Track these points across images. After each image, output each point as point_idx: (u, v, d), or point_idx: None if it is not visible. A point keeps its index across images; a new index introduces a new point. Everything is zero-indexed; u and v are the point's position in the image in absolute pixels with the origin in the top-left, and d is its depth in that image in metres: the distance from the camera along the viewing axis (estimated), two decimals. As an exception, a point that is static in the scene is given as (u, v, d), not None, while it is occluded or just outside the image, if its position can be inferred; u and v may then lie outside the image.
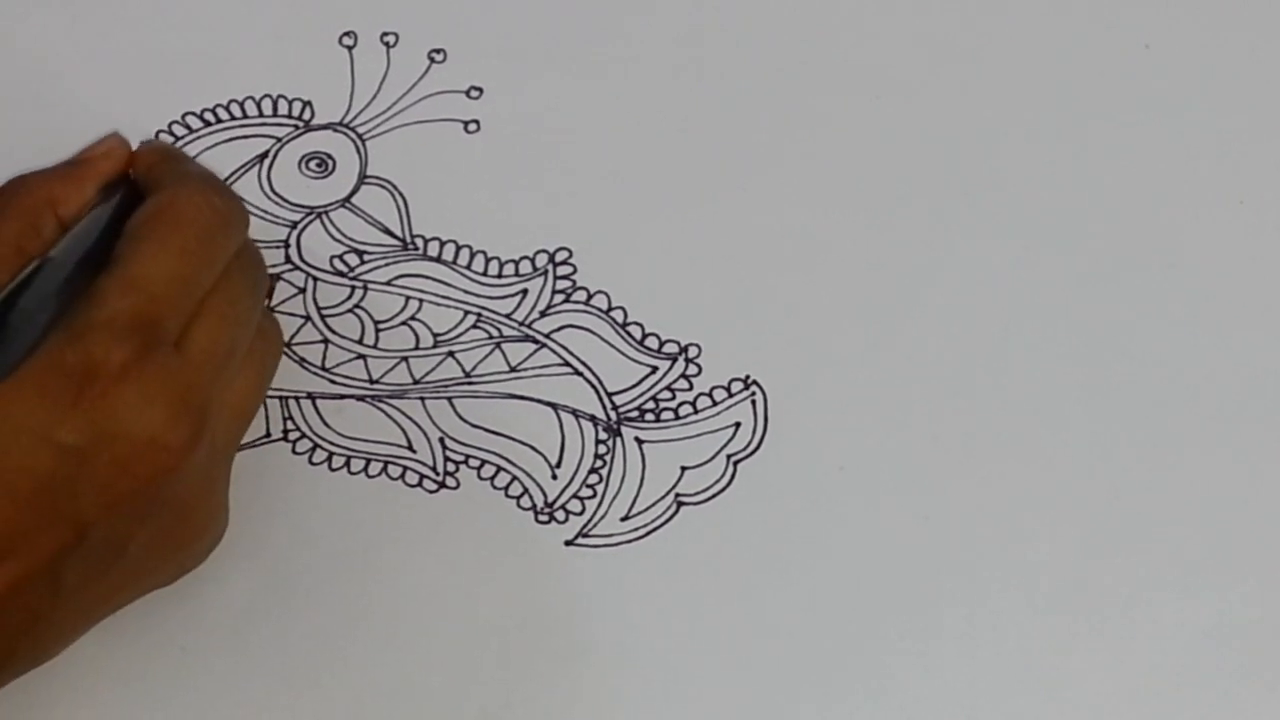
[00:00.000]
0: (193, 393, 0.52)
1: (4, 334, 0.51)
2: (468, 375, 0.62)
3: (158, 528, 0.52)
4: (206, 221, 0.54)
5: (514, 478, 0.60)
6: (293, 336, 0.62)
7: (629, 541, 0.59)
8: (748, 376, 0.62)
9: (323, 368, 0.62)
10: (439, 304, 0.63)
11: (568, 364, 0.62)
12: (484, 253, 0.64)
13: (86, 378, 0.50)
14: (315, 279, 0.63)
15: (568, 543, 0.59)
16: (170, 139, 0.65)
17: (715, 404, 0.61)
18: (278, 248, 0.64)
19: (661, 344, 0.62)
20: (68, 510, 0.50)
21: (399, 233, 0.64)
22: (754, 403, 0.61)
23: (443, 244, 0.64)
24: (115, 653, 0.57)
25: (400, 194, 0.65)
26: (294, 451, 0.60)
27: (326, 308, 0.63)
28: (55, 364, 0.50)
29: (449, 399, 0.61)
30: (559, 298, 0.63)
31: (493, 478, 0.60)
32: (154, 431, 0.50)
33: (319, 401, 0.61)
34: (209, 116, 0.66)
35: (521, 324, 0.62)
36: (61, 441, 0.49)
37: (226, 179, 0.65)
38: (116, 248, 0.53)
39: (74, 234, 0.54)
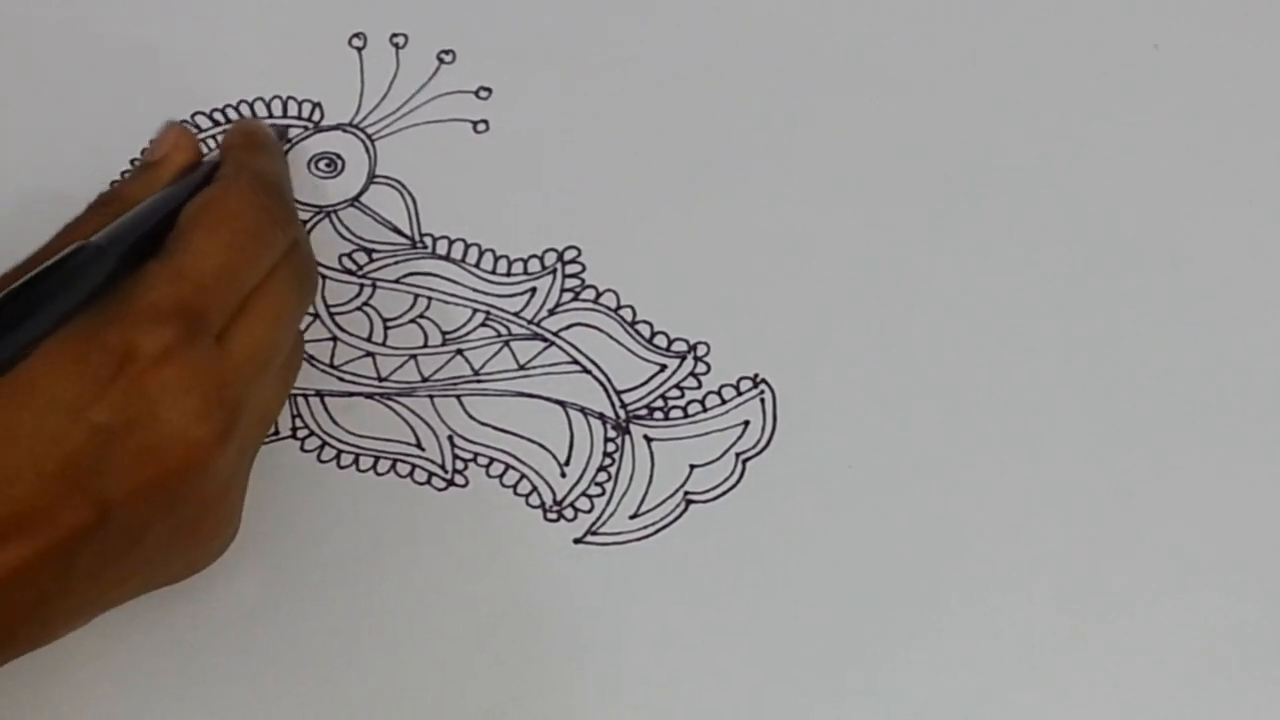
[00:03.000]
0: (228, 389, 0.52)
1: (25, 313, 0.51)
2: (476, 373, 0.62)
3: (176, 521, 0.52)
4: (254, 219, 0.55)
5: (523, 475, 0.60)
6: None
7: (638, 539, 0.59)
8: (756, 375, 0.62)
9: (331, 365, 0.62)
10: (448, 302, 0.63)
11: (576, 362, 0.62)
12: (493, 251, 0.64)
13: (126, 358, 0.50)
14: (324, 277, 0.63)
15: (576, 541, 0.59)
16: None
17: (724, 402, 0.61)
18: (287, 247, 0.64)
19: (670, 342, 0.62)
20: (91, 490, 0.50)
21: (408, 231, 0.64)
22: (763, 401, 0.61)
23: (451, 242, 0.64)
24: (122, 649, 0.57)
25: (409, 193, 0.65)
26: (302, 449, 0.60)
27: (335, 305, 0.63)
28: (96, 341, 0.50)
29: (458, 397, 0.61)
30: (568, 296, 0.63)
31: (501, 475, 0.60)
32: (186, 422, 0.51)
33: (328, 399, 0.61)
34: (219, 116, 0.66)
35: (530, 322, 0.62)
36: (94, 419, 0.49)
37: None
38: (170, 237, 0.54)
39: (124, 221, 0.55)
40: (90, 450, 0.49)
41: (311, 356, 0.62)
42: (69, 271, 0.52)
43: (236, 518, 0.55)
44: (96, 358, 0.50)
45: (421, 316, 0.63)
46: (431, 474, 0.60)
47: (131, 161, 0.64)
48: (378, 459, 0.60)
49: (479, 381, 0.61)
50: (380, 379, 0.62)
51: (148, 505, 0.51)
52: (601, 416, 0.61)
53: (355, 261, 0.63)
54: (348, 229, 0.64)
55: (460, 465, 0.60)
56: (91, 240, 0.54)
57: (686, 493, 0.60)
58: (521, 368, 0.62)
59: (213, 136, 0.65)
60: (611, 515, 0.59)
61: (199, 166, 0.60)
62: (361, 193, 0.65)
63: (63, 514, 0.49)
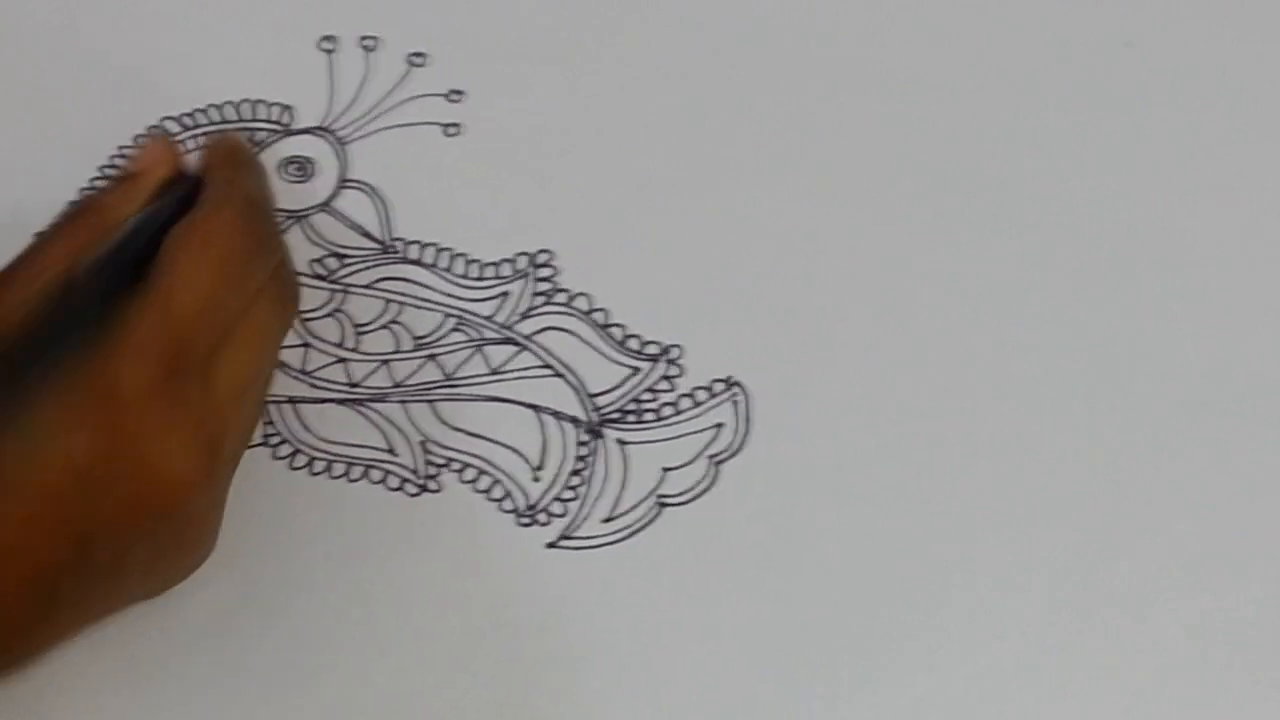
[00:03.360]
0: (211, 424, 0.51)
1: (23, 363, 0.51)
2: (449, 378, 0.61)
3: (156, 546, 0.52)
4: (242, 246, 0.53)
5: (496, 480, 0.60)
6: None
7: (611, 543, 0.59)
8: (729, 377, 0.61)
9: (303, 371, 0.62)
10: (420, 307, 0.63)
11: (549, 366, 0.62)
12: (464, 255, 0.63)
13: (108, 398, 0.49)
14: (295, 283, 0.63)
15: (550, 545, 0.59)
16: (150, 143, 0.65)
17: (697, 405, 0.61)
18: (258, 252, 0.64)
19: (643, 345, 0.62)
20: (74, 528, 0.49)
21: (379, 236, 0.64)
22: (736, 403, 0.61)
23: (423, 247, 0.64)
24: (96, 659, 0.57)
25: (380, 197, 0.64)
26: (275, 456, 0.60)
27: (306, 311, 0.62)
28: (78, 381, 0.49)
29: (430, 402, 0.61)
30: (540, 300, 0.63)
31: (474, 481, 0.60)
32: (170, 463, 0.50)
33: (300, 405, 0.61)
34: (187, 120, 0.65)
35: (502, 326, 0.62)
36: (78, 462, 0.49)
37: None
38: (154, 265, 0.52)
39: (108, 248, 0.54)
40: (73, 491, 0.49)
41: (283, 362, 0.61)
42: (58, 317, 0.51)
43: (216, 532, 0.55)
44: (79, 399, 0.49)
45: (393, 322, 0.62)
46: (404, 480, 0.60)
47: (100, 168, 0.64)
48: (350, 465, 0.60)
49: (451, 386, 0.61)
50: (352, 385, 0.61)
51: (130, 537, 0.51)
52: (574, 420, 0.61)
53: (326, 267, 0.63)
54: (318, 234, 0.64)
55: (433, 471, 0.60)
56: (78, 279, 0.52)
57: (660, 496, 0.60)
58: (494, 372, 0.62)
59: (182, 141, 0.65)
60: (585, 519, 0.59)
61: (180, 181, 0.58)
62: (332, 197, 0.64)
63: (42, 552, 0.49)
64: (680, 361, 0.62)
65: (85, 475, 0.49)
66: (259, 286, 0.54)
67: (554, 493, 0.60)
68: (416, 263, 0.63)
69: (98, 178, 0.64)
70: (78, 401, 0.49)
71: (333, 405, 0.61)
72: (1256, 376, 0.62)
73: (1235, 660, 0.57)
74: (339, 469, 0.60)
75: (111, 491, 0.50)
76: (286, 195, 0.64)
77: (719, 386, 0.61)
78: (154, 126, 0.65)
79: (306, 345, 0.62)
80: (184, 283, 0.52)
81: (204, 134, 0.65)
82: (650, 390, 0.61)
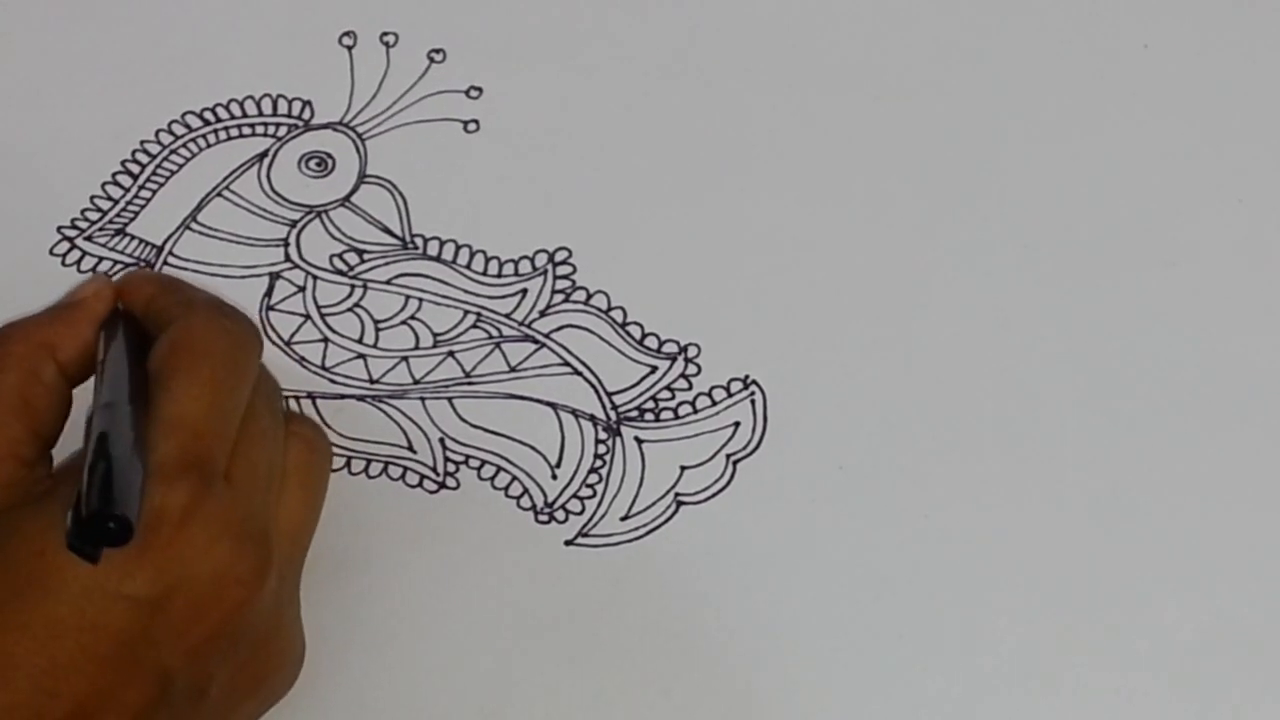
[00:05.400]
0: (251, 521, 0.51)
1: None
2: (468, 375, 0.62)
3: (236, 664, 0.51)
4: (228, 348, 0.52)
5: (514, 478, 0.60)
6: (292, 335, 0.62)
7: (629, 541, 0.59)
8: (747, 376, 0.62)
9: (323, 367, 0.62)
10: (439, 303, 0.63)
11: (567, 364, 0.62)
12: (483, 252, 0.64)
13: (149, 528, 0.48)
14: (315, 278, 0.63)
15: (568, 542, 0.59)
16: (170, 138, 0.65)
17: (714, 404, 0.61)
18: (277, 246, 0.64)
19: (661, 344, 0.62)
20: (149, 663, 0.49)
21: (398, 232, 0.64)
22: (753, 402, 0.61)
23: (442, 243, 0.64)
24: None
25: (400, 193, 0.65)
26: (294, 451, 0.60)
27: (326, 306, 0.63)
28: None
29: (449, 399, 0.61)
30: (558, 297, 0.63)
31: (493, 478, 0.60)
32: (223, 568, 0.49)
33: (319, 401, 0.61)
34: (209, 115, 0.66)
35: (521, 324, 0.62)
36: (134, 595, 0.48)
37: (225, 178, 0.65)
38: (150, 392, 0.51)
39: (107, 385, 0.52)
40: (138, 626, 0.48)
41: (303, 358, 0.62)
42: (107, 468, 0.49)
43: (300, 640, 0.54)
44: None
45: (413, 318, 0.63)
46: (423, 477, 0.60)
47: (122, 162, 0.65)
48: (369, 462, 0.60)
49: (470, 383, 0.62)
50: (371, 381, 0.62)
51: (206, 659, 0.50)
52: (592, 418, 0.61)
53: (346, 262, 0.63)
54: (338, 229, 0.64)
55: (452, 468, 0.60)
56: (110, 435, 0.50)
57: (677, 494, 0.60)
58: (513, 369, 0.62)
59: (203, 136, 0.66)
60: (602, 517, 0.60)
61: (115, 315, 0.55)
62: (352, 192, 0.65)
63: (127, 694, 0.48)
64: (698, 360, 0.62)
65: (147, 606, 0.48)
66: (253, 384, 0.53)
67: (572, 490, 0.60)
68: (436, 259, 0.63)
69: (119, 172, 0.65)
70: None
71: (352, 401, 0.61)
72: (1256, 376, 0.62)
73: (1237, 660, 0.57)
74: (358, 465, 0.60)
75: (177, 614, 0.49)
76: (306, 190, 0.65)
77: (736, 386, 0.62)
78: (175, 121, 0.65)
79: (326, 340, 0.62)
80: (187, 397, 0.51)
81: (222, 129, 0.66)
82: (668, 389, 0.62)
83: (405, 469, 0.60)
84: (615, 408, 0.61)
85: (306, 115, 0.66)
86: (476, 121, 0.66)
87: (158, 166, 0.65)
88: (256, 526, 0.51)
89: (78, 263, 0.63)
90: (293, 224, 0.64)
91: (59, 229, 0.64)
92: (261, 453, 0.52)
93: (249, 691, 0.52)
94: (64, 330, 0.54)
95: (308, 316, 0.63)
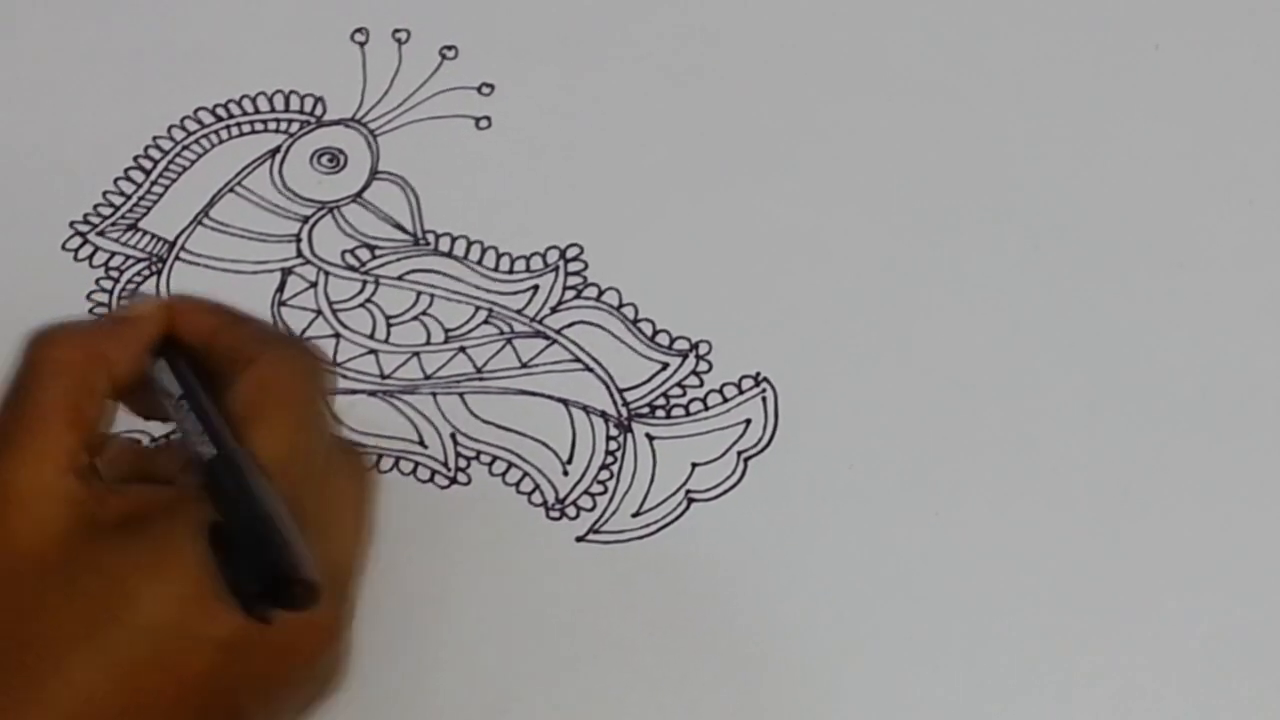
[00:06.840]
0: (336, 569, 0.50)
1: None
2: (479, 371, 0.62)
3: (305, 697, 0.51)
4: (311, 388, 0.51)
5: (525, 474, 0.60)
6: (304, 331, 0.62)
7: (640, 538, 0.59)
8: (758, 373, 0.62)
9: (334, 362, 0.62)
10: (450, 299, 0.63)
11: (579, 360, 0.62)
12: (495, 249, 0.64)
13: None
14: (327, 273, 0.63)
15: (579, 539, 0.59)
16: (183, 134, 0.65)
17: (726, 401, 0.61)
18: (289, 242, 0.64)
19: (672, 340, 0.62)
20: (226, 704, 0.48)
21: (410, 228, 0.64)
22: (764, 399, 0.61)
23: (454, 239, 0.64)
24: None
25: (411, 189, 0.65)
26: (305, 446, 0.60)
27: (338, 302, 0.63)
28: (202, 561, 0.47)
29: (460, 394, 0.61)
30: (570, 294, 0.63)
31: (504, 474, 0.60)
32: (308, 615, 0.48)
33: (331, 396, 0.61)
34: (221, 112, 0.66)
35: (533, 320, 0.62)
36: (217, 638, 0.47)
37: (238, 174, 0.65)
38: (238, 433, 0.49)
39: (210, 426, 0.49)
40: (218, 669, 0.47)
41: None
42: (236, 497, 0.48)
43: (351, 654, 0.53)
44: (206, 579, 0.47)
45: (424, 314, 0.63)
46: (434, 472, 0.60)
47: (135, 158, 0.65)
48: (380, 457, 0.60)
49: (481, 379, 0.62)
50: (383, 376, 0.62)
51: (283, 703, 0.50)
52: (603, 415, 0.61)
53: (358, 258, 0.64)
54: (350, 225, 0.64)
55: (463, 463, 0.60)
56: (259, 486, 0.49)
57: (688, 491, 0.60)
58: (524, 365, 0.62)
59: (215, 132, 0.66)
60: (613, 513, 0.60)
61: (168, 339, 0.52)
62: (364, 188, 0.65)
63: None
64: (709, 357, 0.62)
65: (226, 650, 0.47)
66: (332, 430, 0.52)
67: (583, 487, 0.60)
68: (447, 255, 0.64)
69: (132, 168, 0.65)
70: (204, 580, 0.47)
71: (363, 396, 0.61)
72: (1265, 377, 0.62)
73: (1235, 661, 0.57)
74: (369, 460, 0.60)
75: (258, 658, 0.48)
76: (318, 186, 0.65)
77: (747, 382, 0.62)
78: (188, 117, 0.66)
79: (338, 336, 0.62)
80: (279, 442, 0.49)
81: (234, 125, 0.66)
82: (679, 385, 0.62)
83: (416, 464, 0.60)
84: (626, 404, 0.61)
85: (319, 111, 0.66)
86: (488, 118, 0.66)
87: (170, 162, 0.65)
88: (340, 572, 0.50)
89: (90, 257, 0.63)
90: (305, 220, 0.64)
91: (72, 224, 0.64)
92: (337, 493, 0.51)
93: (305, 702, 0.52)
94: (118, 345, 0.51)
95: (319, 312, 0.63)
